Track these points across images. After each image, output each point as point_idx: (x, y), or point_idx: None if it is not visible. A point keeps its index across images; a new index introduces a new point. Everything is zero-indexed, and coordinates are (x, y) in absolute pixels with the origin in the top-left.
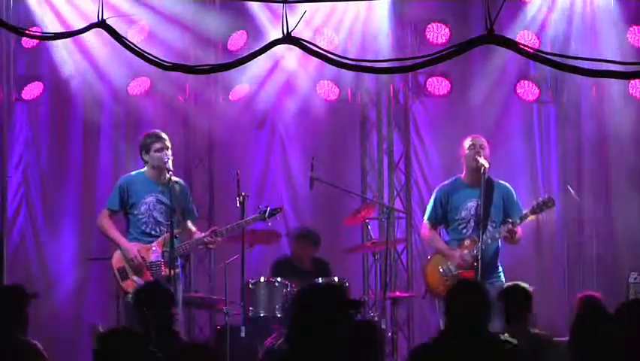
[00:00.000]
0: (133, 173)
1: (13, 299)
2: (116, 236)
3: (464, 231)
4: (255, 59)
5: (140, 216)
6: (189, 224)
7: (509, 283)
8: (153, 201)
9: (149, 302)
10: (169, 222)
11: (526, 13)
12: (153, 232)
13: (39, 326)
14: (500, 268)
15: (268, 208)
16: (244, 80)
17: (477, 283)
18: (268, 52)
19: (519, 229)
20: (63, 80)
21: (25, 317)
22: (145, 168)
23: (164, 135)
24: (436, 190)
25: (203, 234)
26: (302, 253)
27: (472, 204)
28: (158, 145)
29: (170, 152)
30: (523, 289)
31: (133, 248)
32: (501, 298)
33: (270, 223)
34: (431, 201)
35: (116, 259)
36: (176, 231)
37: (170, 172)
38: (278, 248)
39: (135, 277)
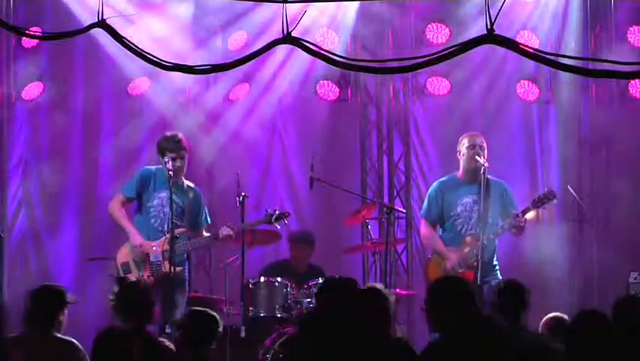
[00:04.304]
0: (154, 167)
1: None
2: (125, 223)
3: (460, 227)
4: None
5: (152, 209)
6: (202, 230)
7: (505, 279)
8: (166, 197)
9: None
10: (179, 222)
11: (526, 12)
12: (161, 228)
13: None
14: (497, 267)
15: (276, 212)
16: (244, 80)
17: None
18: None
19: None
20: (63, 80)
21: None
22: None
23: (181, 143)
24: (431, 187)
25: (208, 234)
26: (299, 255)
27: (467, 200)
28: (171, 155)
29: (184, 159)
30: (519, 285)
31: (139, 237)
32: (498, 294)
33: (278, 227)
34: (427, 198)
35: (121, 255)
36: (179, 231)
37: (180, 178)
38: (277, 248)
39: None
